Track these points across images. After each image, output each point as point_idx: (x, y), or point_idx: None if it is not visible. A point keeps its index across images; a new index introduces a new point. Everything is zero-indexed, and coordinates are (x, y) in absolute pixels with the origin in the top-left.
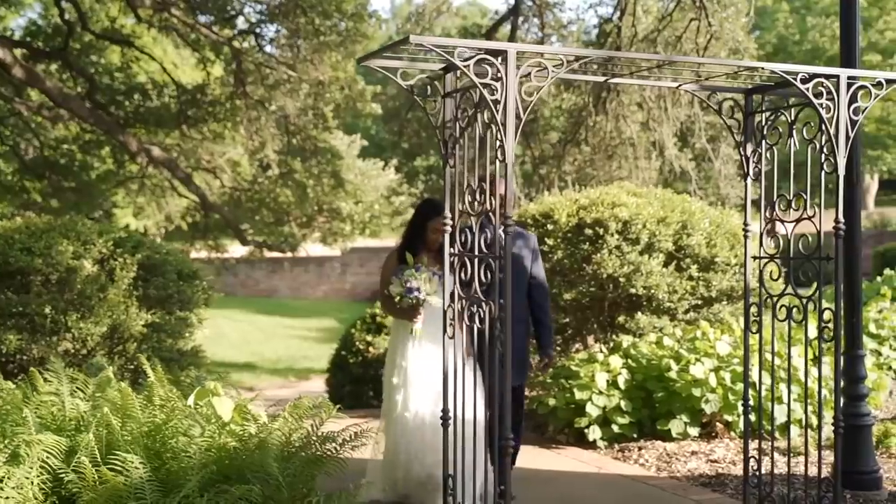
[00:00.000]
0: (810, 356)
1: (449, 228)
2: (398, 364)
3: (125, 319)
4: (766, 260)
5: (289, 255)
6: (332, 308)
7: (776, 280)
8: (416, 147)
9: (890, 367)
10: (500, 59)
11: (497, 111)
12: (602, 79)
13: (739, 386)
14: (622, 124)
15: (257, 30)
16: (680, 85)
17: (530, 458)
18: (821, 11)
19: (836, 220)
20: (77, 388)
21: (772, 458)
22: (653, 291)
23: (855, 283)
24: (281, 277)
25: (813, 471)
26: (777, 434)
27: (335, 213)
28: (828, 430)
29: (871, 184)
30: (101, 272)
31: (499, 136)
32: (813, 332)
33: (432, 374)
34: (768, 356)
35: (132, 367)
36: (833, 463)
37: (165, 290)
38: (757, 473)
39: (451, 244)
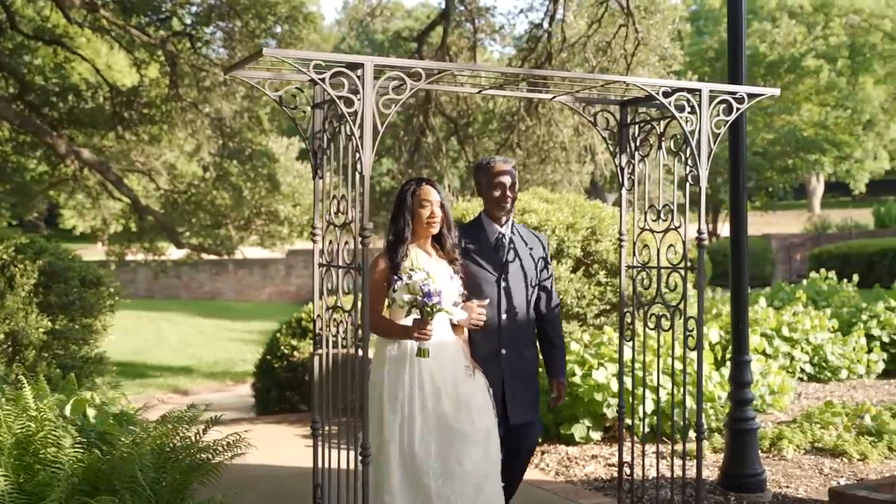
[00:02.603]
0: (680, 362)
1: (437, 205)
2: (393, 396)
3: (24, 326)
4: (637, 269)
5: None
6: (275, 310)
7: (647, 289)
8: None
9: (802, 370)
10: (358, 71)
11: (355, 124)
12: (475, 91)
13: (640, 390)
14: (554, 129)
15: (192, 32)
16: (554, 97)
17: None
18: (765, 16)
19: (699, 231)
20: None
21: (643, 461)
22: (562, 297)
23: (742, 290)
24: (225, 280)
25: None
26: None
27: (273, 215)
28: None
29: (818, 187)
30: (1, 278)
31: (357, 148)
32: (714, 339)
33: (452, 409)
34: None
35: (33, 374)
36: (697, 466)
37: (67, 297)
38: (629, 478)
39: (321, 254)
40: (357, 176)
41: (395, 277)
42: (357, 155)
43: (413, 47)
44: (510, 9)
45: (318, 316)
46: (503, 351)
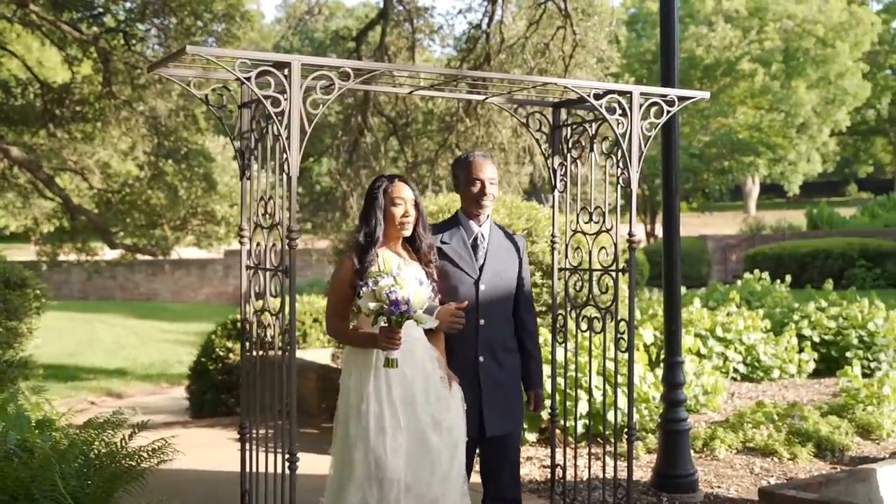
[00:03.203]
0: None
1: (410, 204)
2: (357, 407)
3: None
4: (570, 271)
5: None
6: (213, 312)
7: (580, 291)
8: (308, 147)
9: (736, 370)
10: (284, 71)
11: (282, 124)
12: (405, 91)
13: (574, 392)
14: (493, 130)
15: (126, 29)
16: (486, 98)
17: None
18: (702, 20)
19: (630, 233)
20: None
21: (575, 463)
22: None
23: (674, 292)
24: (161, 281)
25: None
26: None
27: (209, 215)
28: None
29: (753, 188)
30: None
31: (284, 149)
32: (648, 340)
33: (420, 422)
34: (610, 364)
35: None
36: (628, 468)
37: None
38: (562, 480)
39: (248, 256)
40: (284, 177)
41: (361, 283)
42: (284, 155)
43: (352, 46)
44: (449, 9)
45: (247, 319)
46: (480, 358)
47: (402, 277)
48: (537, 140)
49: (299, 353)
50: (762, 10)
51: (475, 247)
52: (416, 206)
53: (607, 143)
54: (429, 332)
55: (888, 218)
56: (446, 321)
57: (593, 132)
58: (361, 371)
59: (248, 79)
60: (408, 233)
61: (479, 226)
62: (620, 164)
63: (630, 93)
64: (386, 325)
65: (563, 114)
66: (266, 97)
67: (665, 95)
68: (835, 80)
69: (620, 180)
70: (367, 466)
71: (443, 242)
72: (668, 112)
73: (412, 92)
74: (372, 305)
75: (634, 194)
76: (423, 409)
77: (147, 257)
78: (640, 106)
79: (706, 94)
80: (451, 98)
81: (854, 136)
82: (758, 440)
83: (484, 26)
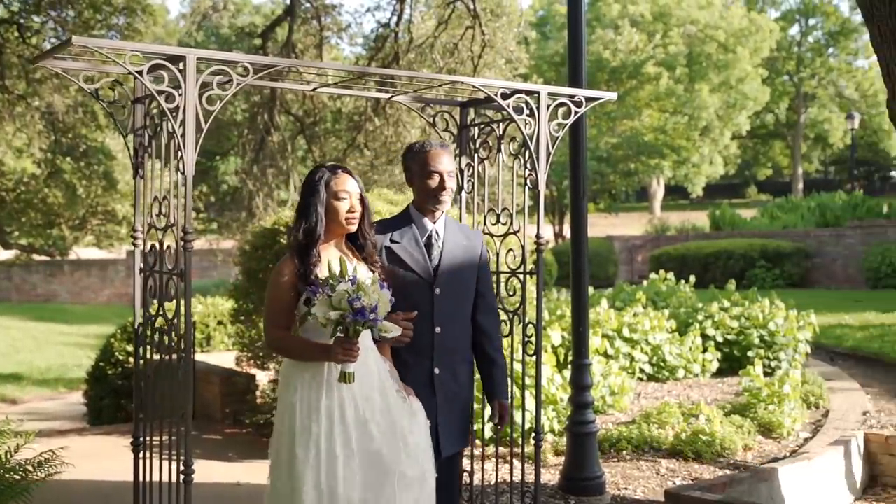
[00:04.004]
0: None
1: (356, 197)
2: (306, 428)
3: None
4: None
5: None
6: (115, 314)
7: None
8: (213, 145)
9: (642, 371)
10: (179, 65)
11: (176, 121)
12: (308, 88)
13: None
14: (402, 130)
15: (20, 20)
16: (392, 96)
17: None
18: (608, 23)
19: (537, 235)
20: None
21: (482, 466)
22: None
23: (582, 294)
24: (60, 282)
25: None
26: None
27: (110, 215)
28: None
29: (658, 190)
30: None
31: (179, 147)
32: (556, 342)
33: (384, 445)
34: (518, 367)
35: None
36: (535, 471)
37: None
38: (469, 484)
39: (142, 258)
40: (179, 176)
41: (313, 289)
42: (180, 154)
43: (258, 43)
44: (357, 7)
45: (141, 324)
46: (436, 370)
47: (363, 281)
48: (445, 140)
49: (202, 357)
50: (666, 15)
51: (429, 246)
52: (362, 200)
53: (515, 144)
54: (376, 342)
55: (787, 219)
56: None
57: (501, 132)
58: (310, 387)
59: (141, 73)
60: (353, 228)
61: (434, 223)
62: (528, 165)
63: (538, 93)
64: (343, 335)
65: (471, 113)
66: (160, 92)
67: (573, 96)
68: (736, 85)
69: (528, 181)
70: (318, 498)
71: (392, 241)
72: (576, 113)
73: (316, 89)
74: (333, 315)
75: (542, 195)
76: (383, 430)
77: (44, 258)
78: (548, 106)
79: (613, 96)
80: (359, 97)
81: (754, 139)
82: (663, 441)
83: (393, 25)
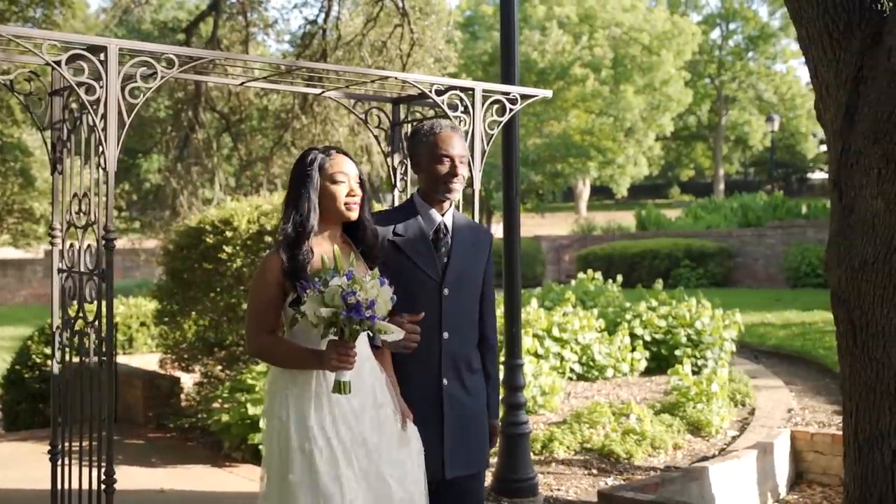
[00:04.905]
0: None
1: (355, 181)
2: (298, 449)
3: None
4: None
5: None
6: (32, 315)
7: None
8: (135, 143)
9: (572, 370)
10: (100, 55)
11: (97, 114)
12: (238, 83)
13: None
14: (330, 128)
15: None
16: (323, 92)
17: (199, 478)
18: (536, 25)
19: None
20: None
21: None
22: None
23: (515, 295)
24: None
25: None
26: None
27: (27, 213)
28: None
29: (584, 190)
30: None
31: (100, 141)
32: None
33: (373, 465)
34: None
35: None
36: None
37: None
38: None
39: (60, 258)
40: (100, 172)
41: (303, 285)
42: (101, 149)
43: (182, 39)
44: (284, 3)
45: (59, 326)
46: (444, 381)
47: (359, 274)
48: (376, 137)
49: (124, 360)
50: (592, 17)
51: (437, 241)
52: (361, 184)
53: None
54: (373, 349)
55: (710, 220)
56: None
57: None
58: (300, 400)
59: (59, 63)
60: (354, 216)
61: (442, 214)
62: None
63: (473, 89)
64: (337, 337)
65: (404, 111)
66: (79, 84)
67: (508, 93)
68: (660, 87)
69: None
70: None
71: (396, 235)
72: (511, 110)
73: (245, 83)
74: (324, 312)
75: (477, 194)
76: (378, 450)
77: None
78: (483, 103)
79: (548, 93)
80: (287, 93)
81: (677, 140)
82: (595, 441)
83: (320, 22)
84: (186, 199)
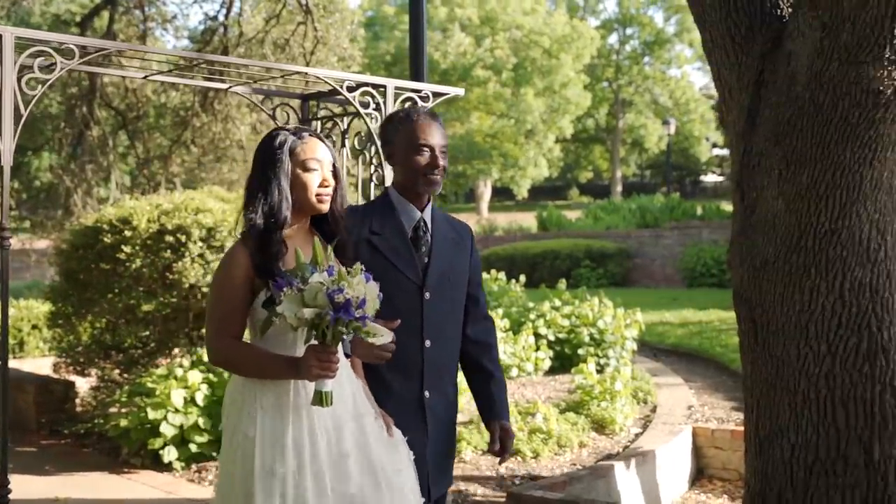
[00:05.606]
0: None
1: (328, 168)
2: (269, 469)
3: None
4: None
5: None
6: None
7: None
8: (25, 139)
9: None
10: None
11: None
12: (139, 76)
13: None
14: (231, 126)
15: None
16: (230, 87)
17: (97, 486)
18: (438, 26)
19: None
20: None
21: None
22: None
23: None
24: None
25: None
26: None
27: None
28: None
29: (486, 191)
30: None
31: None
32: None
33: (366, 486)
34: None
35: None
36: None
37: None
38: None
39: None
40: None
41: (278, 283)
42: None
43: (76, 32)
44: None
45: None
46: (426, 394)
47: (350, 272)
48: None
49: (15, 364)
50: (493, 19)
51: (416, 240)
52: (335, 172)
53: (359, 140)
54: (347, 358)
55: (609, 220)
56: (366, 347)
57: (346, 127)
58: (272, 414)
59: None
60: (325, 208)
61: (421, 210)
62: (374, 161)
63: (384, 86)
64: (318, 342)
65: (314, 107)
66: None
67: (419, 90)
68: (559, 90)
69: (374, 178)
70: None
71: (372, 233)
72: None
73: (148, 77)
74: (306, 313)
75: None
76: (364, 467)
77: None
78: (395, 100)
79: (460, 91)
80: (187, 90)
81: (576, 143)
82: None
83: (221, 18)
84: (81, 197)
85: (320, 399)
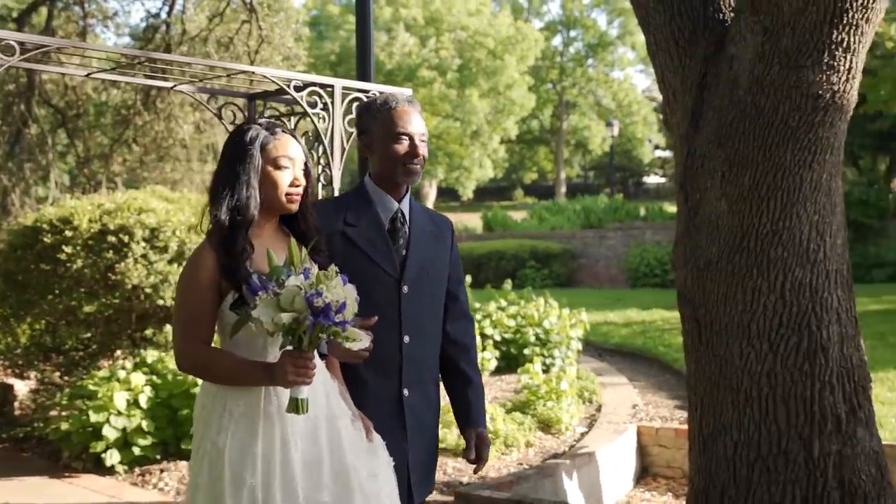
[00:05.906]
0: None
1: (299, 167)
2: (239, 479)
3: None
4: None
5: None
6: None
7: None
8: None
9: None
10: None
11: None
12: (82, 73)
13: None
14: (174, 125)
15: None
16: (175, 86)
17: (38, 490)
18: (383, 26)
19: None
20: None
21: None
22: None
23: None
24: None
25: None
26: None
27: None
28: None
29: (431, 192)
30: None
31: None
32: None
33: (341, 497)
34: None
35: None
36: None
37: None
38: None
39: None
40: None
41: (253, 286)
42: None
43: (13, 28)
44: None
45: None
46: (406, 393)
47: (327, 276)
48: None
49: None
50: (438, 20)
51: (393, 232)
52: (306, 171)
53: (307, 139)
54: (322, 358)
55: (554, 221)
56: (343, 348)
57: (293, 127)
58: (246, 422)
59: None
60: (295, 208)
61: (399, 201)
62: (322, 161)
63: (332, 86)
64: (293, 347)
65: (260, 107)
66: None
67: (367, 91)
68: (504, 91)
69: (322, 178)
70: None
71: (347, 224)
72: None
73: (90, 74)
74: (284, 318)
75: (337, 193)
76: (338, 476)
77: None
78: (343, 100)
79: (409, 91)
80: (128, 88)
81: (520, 144)
82: (449, 440)
83: (164, 15)
84: (19, 197)
85: (296, 406)
